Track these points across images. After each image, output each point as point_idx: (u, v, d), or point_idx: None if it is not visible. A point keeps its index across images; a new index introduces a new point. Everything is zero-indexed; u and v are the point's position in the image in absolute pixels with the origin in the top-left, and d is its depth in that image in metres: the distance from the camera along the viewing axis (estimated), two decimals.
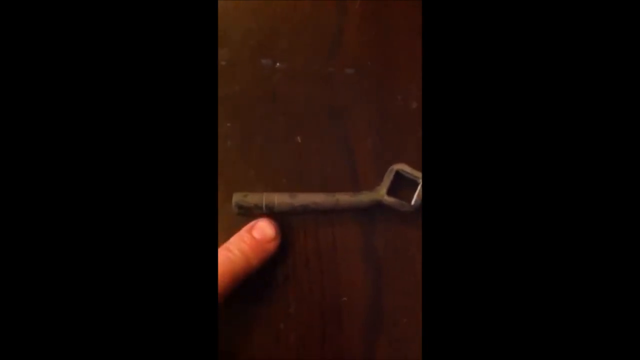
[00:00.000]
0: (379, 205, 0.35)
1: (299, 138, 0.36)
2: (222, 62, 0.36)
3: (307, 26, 0.37)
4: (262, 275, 0.35)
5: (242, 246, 0.34)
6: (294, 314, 0.36)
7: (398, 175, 0.35)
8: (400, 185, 0.35)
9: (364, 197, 0.35)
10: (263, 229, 0.35)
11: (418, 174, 0.35)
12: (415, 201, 0.35)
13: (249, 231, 0.34)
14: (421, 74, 0.33)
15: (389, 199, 0.35)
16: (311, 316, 0.36)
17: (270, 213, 0.35)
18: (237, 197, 0.35)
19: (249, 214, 0.35)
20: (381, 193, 0.35)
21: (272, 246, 0.35)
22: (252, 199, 0.35)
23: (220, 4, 0.36)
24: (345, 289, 0.36)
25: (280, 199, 0.35)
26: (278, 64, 0.37)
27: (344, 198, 0.35)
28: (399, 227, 0.36)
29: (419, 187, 0.35)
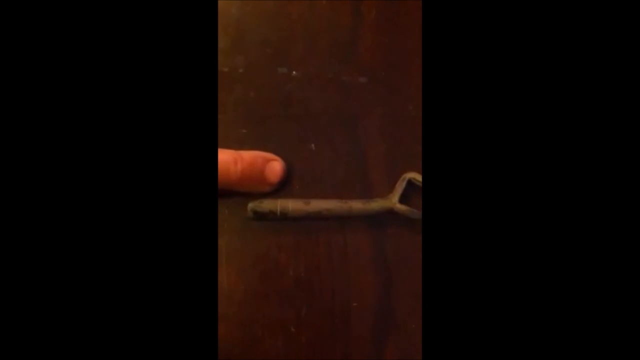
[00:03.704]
0: (390, 213, 0.36)
1: (313, 145, 0.37)
2: (239, 70, 0.36)
3: (323, 32, 0.38)
4: (274, 279, 0.36)
5: (245, 168, 0.34)
6: (304, 317, 0.36)
7: (409, 183, 0.36)
8: (412, 193, 0.36)
9: (376, 205, 0.36)
10: (276, 173, 0.35)
11: None
12: None
13: (265, 165, 0.35)
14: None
15: (401, 207, 0.35)
16: (322, 320, 0.36)
17: (285, 219, 0.35)
18: (252, 203, 0.35)
19: (263, 219, 0.35)
20: (393, 201, 0.36)
21: (264, 189, 0.35)
22: (267, 204, 0.35)
23: (235, 10, 0.37)
24: (356, 294, 0.36)
25: (294, 205, 0.35)
26: (294, 72, 0.37)
27: (357, 205, 0.36)
28: (410, 235, 0.36)
29: None
